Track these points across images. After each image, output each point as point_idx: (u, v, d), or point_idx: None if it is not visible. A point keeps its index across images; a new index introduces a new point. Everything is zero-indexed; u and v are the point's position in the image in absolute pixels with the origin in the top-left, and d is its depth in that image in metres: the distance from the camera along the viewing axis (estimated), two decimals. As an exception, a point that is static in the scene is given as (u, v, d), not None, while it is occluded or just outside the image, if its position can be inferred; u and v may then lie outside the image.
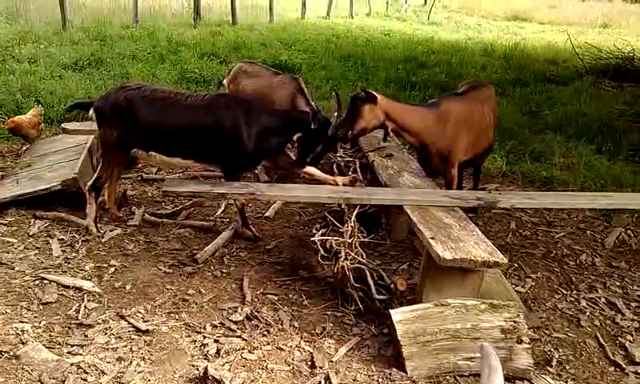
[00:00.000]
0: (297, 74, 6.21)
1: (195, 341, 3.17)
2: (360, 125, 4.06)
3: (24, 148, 5.69)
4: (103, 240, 4.22)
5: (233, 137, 4.09)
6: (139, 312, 3.38)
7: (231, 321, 3.36)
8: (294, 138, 4.43)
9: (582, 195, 4.62)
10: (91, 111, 4.22)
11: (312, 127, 4.23)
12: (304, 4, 17.64)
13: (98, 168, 4.33)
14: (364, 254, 3.66)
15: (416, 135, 4.23)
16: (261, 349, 3.13)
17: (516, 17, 24.03)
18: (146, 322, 3.29)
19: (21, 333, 3.09)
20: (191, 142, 4.15)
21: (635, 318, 3.76)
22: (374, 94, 4.02)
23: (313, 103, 5.25)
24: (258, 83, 5.54)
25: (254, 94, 5.30)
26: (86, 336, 3.13)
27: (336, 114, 4.25)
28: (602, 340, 3.49)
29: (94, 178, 4.30)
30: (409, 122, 4.18)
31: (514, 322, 3.06)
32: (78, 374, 2.83)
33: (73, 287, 3.57)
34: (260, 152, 4.25)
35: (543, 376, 3.08)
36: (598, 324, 3.68)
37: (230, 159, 4.20)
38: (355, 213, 3.80)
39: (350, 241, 3.65)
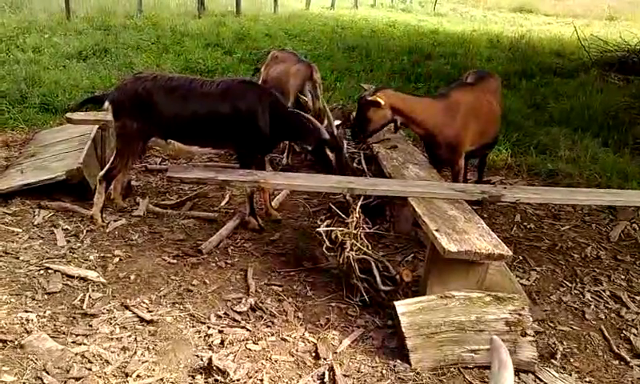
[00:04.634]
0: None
1: (199, 331, 3.17)
2: (369, 127, 4.27)
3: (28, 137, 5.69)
4: (108, 230, 4.22)
5: (249, 121, 4.14)
6: (144, 302, 3.39)
7: (235, 311, 3.37)
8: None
9: (587, 191, 4.59)
10: (107, 103, 4.19)
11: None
12: (308, -6, 17.63)
13: (112, 158, 4.30)
14: (369, 245, 3.66)
15: (423, 126, 4.25)
16: (265, 339, 3.13)
17: (522, 8, 23.97)
18: (150, 312, 3.29)
19: (25, 322, 3.10)
20: (211, 128, 4.19)
21: (640, 311, 3.75)
22: (378, 100, 4.12)
23: (320, 94, 5.24)
24: (278, 69, 5.55)
25: (273, 80, 5.33)
26: (91, 326, 3.14)
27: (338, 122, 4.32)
28: (606, 333, 3.48)
29: (106, 168, 4.28)
30: (416, 114, 4.22)
31: (519, 314, 3.06)
32: (82, 363, 2.83)
33: (77, 277, 3.58)
34: (276, 135, 4.35)
35: (547, 369, 3.08)
36: (603, 317, 3.68)
37: (248, 143, 4.25)
38: (359, 204, 3.80)
39: (355, 232, 3.64)
